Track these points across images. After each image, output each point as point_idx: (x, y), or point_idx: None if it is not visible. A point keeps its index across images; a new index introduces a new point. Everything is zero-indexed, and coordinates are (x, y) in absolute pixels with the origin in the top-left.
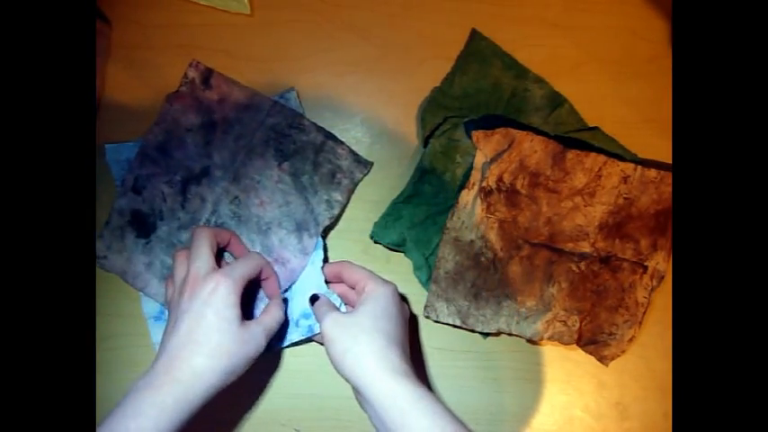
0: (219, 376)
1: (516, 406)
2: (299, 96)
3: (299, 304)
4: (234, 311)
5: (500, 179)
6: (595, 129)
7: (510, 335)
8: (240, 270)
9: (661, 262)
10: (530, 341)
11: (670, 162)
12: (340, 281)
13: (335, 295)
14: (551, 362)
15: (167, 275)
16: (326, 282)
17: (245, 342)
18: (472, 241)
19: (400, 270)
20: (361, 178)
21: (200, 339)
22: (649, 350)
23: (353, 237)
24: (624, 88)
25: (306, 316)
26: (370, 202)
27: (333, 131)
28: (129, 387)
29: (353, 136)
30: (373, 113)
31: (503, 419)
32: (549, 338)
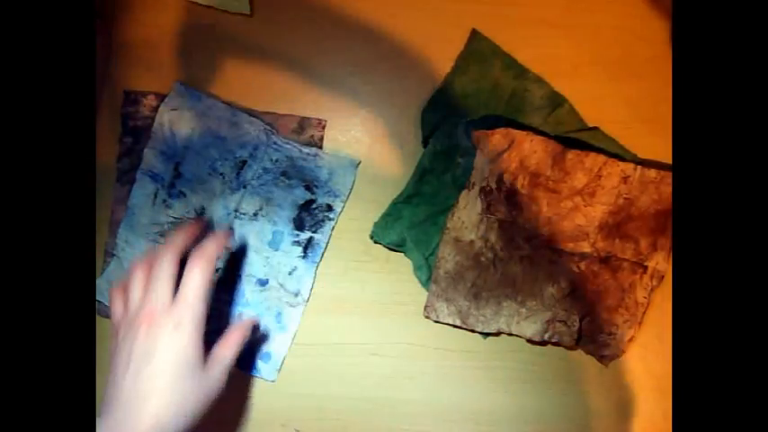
0: (182, 424)
1: (516, 406)
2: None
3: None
4: (195, 354)
5: (500, 179)
6: (595, 129)
7: (510, 335)
8: (204, 304)
9: (661, 262)
10: (530, 341)
11: (670, 162)
12: None
13: None
14: (551, 362)
15: (118, 285)
16: None
17: (207, 387)
18: (472, 241)
19: (400, 270)
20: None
21: (160, 387)
22: (649, 350)
23: (353, 237)
24: (624, 88)
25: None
26: (370, 201)
27: (333, 131)
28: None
29: (353, 136)
30: (373, 113)
31: (503, 419)
32: (550, 338)
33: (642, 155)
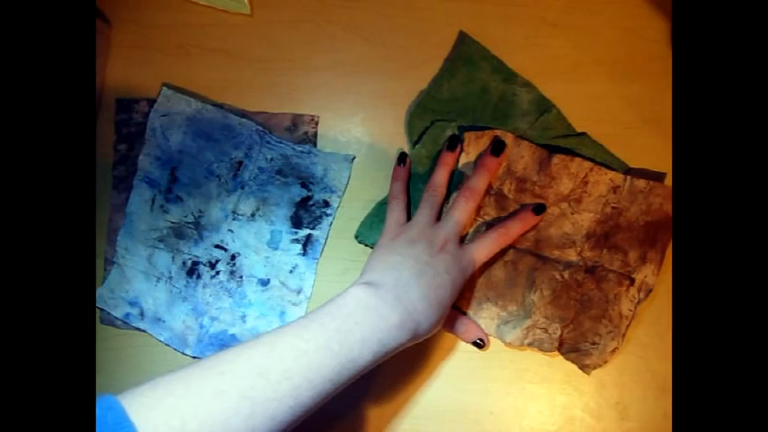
0: (416, 341)
1: (516, 406)
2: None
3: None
4: (458, 291)
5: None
6: (583, 135)
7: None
8: (488, 253)
9: (650, 275)
10: (509, 346)
11: (661, 170)
12: None
13: None
14: (551, 362)
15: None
16: None
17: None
18: None
19: None
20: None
21: (442, 304)
22: (649, 350)
23: (353, 237)
24: (624, 88)
25: None
26: (368, 202)
27: (333, 131)
28: (346, 297)
29: (354, 136)
30: (373, 113)
31: (503, 419)
32: (529, 345)
33: (642, 155)
